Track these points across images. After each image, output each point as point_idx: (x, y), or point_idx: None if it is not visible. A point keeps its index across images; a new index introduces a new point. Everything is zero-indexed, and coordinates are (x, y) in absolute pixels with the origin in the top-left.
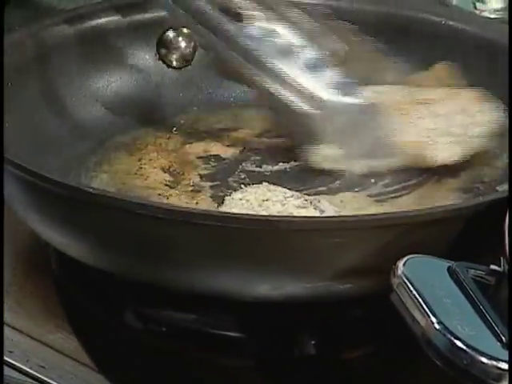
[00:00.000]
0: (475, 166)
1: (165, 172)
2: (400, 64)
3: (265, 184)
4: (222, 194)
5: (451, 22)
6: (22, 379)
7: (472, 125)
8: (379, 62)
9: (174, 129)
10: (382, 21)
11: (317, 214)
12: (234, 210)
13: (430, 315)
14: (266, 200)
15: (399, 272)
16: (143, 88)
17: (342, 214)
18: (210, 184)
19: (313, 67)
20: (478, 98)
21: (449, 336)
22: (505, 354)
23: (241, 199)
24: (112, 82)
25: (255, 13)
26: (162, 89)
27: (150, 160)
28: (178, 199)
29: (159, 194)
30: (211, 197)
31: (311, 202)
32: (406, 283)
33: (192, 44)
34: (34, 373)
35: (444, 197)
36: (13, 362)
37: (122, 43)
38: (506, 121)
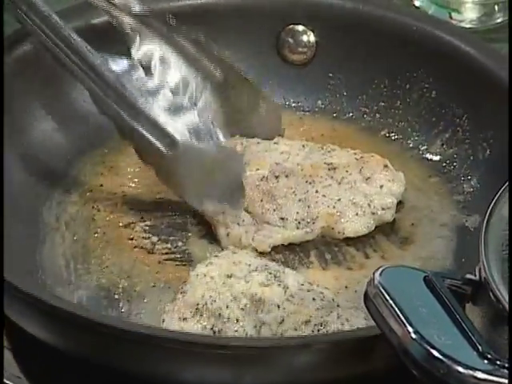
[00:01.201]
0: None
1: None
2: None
3: (228, 252)
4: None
5: (425, 29)
6: None
7: (377, 194)
8: (256, 93)
9: None
10: (356, 21)
11: (280, 291)
12: (198, 291)
13: (407, 325)
14: (230, 276)
15: (375, 282)
16: None
17: (307, 287)
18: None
19: (176, 109)
20: (383, 167)
21: (425, 345)
22: (481, 364)
23: (205, 275)
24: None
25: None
26: None
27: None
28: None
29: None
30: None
31: (275, 276)
32: (382, 293)
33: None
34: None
35: None
36: None
37: None
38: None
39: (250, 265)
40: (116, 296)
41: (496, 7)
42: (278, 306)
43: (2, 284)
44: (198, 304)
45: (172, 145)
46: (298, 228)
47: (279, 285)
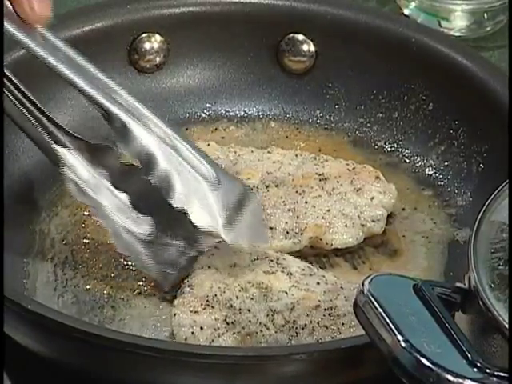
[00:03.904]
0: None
1: None
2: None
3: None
4: None
5: (424, 41)
6: None
7: (367, 206)
8: None
9: None
10: (356, 31)
11: (285, 277)
12: (206, 283)
13: (396, 333)
14: (234, 266)
15: (365, 290)
16: None
17: (308, 271)
18: None
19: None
20: (375, 178)
21: (415, 354)
22: (471, 372)
23: (209, 267)
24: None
25: None
26: None
27: None
28: None
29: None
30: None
31: (277, 264)
32: (371, 301)
33: (164, 49)
34: None
35: None
36: None
37: None
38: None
39: (250, 253)
40: (101, 301)
41: (485, 15)
42: (286, 293)
43: (3, 301)
44: (207, 296)
45: (210, 175)
46: (285, 238)
47: (283, 271)
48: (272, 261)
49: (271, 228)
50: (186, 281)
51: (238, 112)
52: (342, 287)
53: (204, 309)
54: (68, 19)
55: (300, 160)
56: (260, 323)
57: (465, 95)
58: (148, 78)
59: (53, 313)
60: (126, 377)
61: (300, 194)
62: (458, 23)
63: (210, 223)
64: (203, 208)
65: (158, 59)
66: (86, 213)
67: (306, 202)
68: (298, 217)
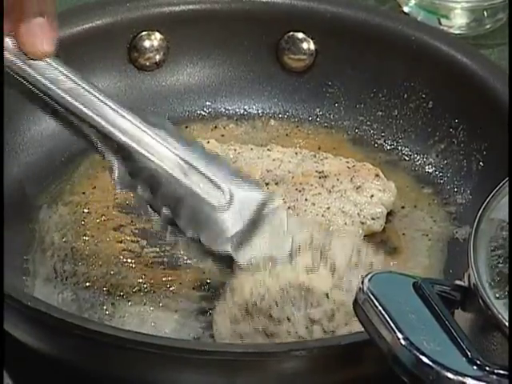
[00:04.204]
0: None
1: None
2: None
3: None
4: None
5: (424, 39)
6: None
7: (367, 204)
8: None
9: None
10: (356, 30)
11: (328, 274)
12: (246, 287)
13: (396, 331)
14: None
15: (365, 288)
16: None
17: (355, 259)
18: None
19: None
20: (374, 176)
21: (414, 352)
22: (470, 370)
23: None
24: None
25: None
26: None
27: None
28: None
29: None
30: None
31: (321, 256)
32: (371, 299)
33: (164, 47)
34: None
35: None
36: None
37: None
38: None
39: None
40: (101, 298)
41: (485, 13)
42: (327, 296)
43: (3, 298)
44: (247, 304)
45: (223, 197)
46: None
47: (325, 265)
48: (316, 250)
49: None
50: (226, 283)
51: (237, 110)
52: None
53: (244, 319)
54: (67, 17)
55: (300, 158)
56: (299, 336)
57: (465, 93)
58: (148, 76)
59: (53, 309)
60: (126, 374)
61: (300, 191)
62: (457, 21)
63: (221, 246)
64: (214, 231)
65: (157, 57)
66: (86, 210)
67: (305, 200)
68: (297, 214)
